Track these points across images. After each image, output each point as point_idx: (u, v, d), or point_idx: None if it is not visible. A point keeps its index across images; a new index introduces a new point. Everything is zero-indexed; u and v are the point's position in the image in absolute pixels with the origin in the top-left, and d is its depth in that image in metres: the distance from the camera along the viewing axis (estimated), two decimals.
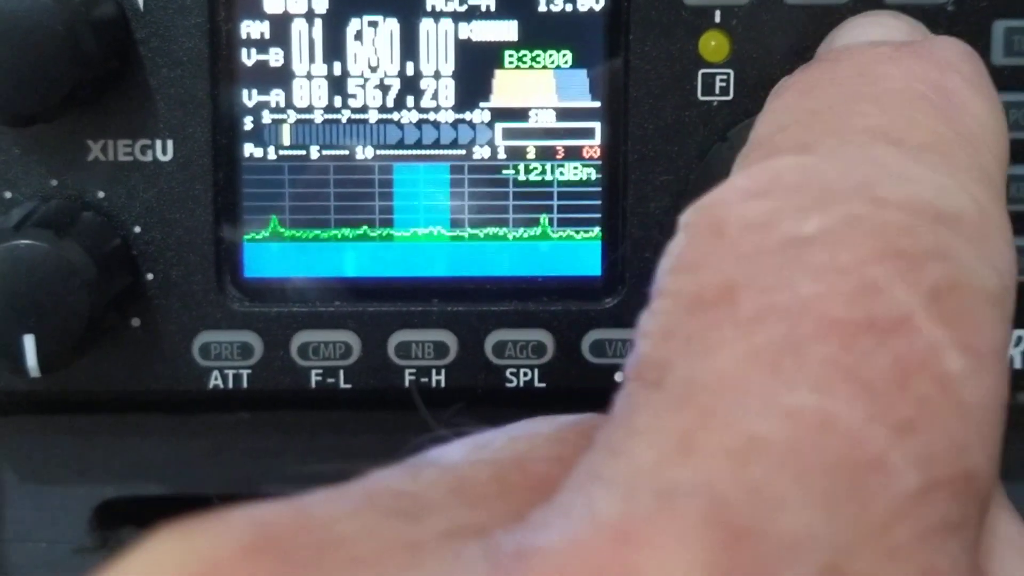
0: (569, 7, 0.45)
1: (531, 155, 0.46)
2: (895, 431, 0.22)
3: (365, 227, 0.46)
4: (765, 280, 0.23)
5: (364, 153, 0.46)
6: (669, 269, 0.25)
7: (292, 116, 0.46)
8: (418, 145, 0.46)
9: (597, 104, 0.46)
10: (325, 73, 0.45)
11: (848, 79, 0.31)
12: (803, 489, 0.21)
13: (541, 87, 0.46)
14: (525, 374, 0.47)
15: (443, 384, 0.46)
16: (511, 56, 0.45)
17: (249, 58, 0.45)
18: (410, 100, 0.46)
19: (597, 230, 0.46)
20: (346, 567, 0.21)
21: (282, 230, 0.46)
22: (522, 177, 0.46)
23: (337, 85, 0.45)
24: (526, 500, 0.23)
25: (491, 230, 0.46)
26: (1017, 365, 0.47)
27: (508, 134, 0.46)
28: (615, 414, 0.23)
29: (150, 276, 0.46)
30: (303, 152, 0.46)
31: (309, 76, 0.45)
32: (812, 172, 0.26)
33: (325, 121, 0.46)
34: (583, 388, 0.46)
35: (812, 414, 0.21)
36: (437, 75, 0.46)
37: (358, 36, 0.45)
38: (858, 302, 0.23)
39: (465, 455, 0.25)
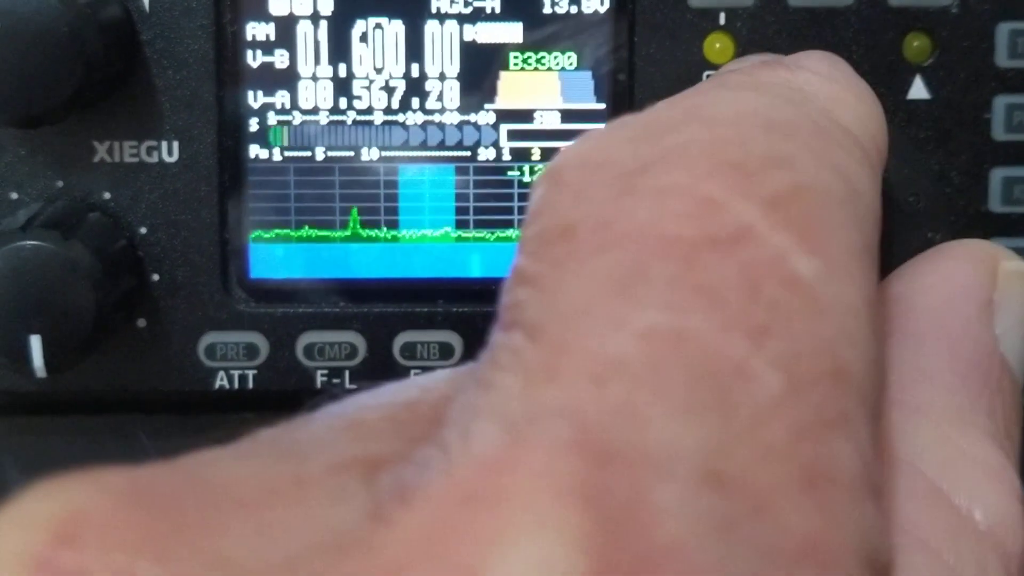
0: (574, 9, 0.45)
1: (536, 156, 0.46)
2: (751, 337, 0.22)
3: (370, 228, 0.46)
4: (601, 213, 0.23)
5: (369, 154, 0.46)
6: (522, 226, 0.25)
7: (297, 117, 0.46)
8: (423, 146, 0.46)
9: (602, 106, 0.46)
10: (330, 75, 0.46)
11: (691, 93, 0.31)
12: (666, 403, 0.21)
13: (546, 89, 0.46)
14: None
15: None
16: (516, 58, 0.46)
17: (254, 60, 0.45)
18: (415, 102, 0.46)
19: None
20: (229, 510, 0.21)
21: (288, 231, 0.46)
22: (527, 178, 0.46)
23: (342, 87, 0.46)
24: (416, 435, 0.23)
25: (496, 231, 0.46)
26: None
27: (513, 135, 0.46)
28: (483, 356, 0.23)
29: (156, 277, 0.46)
30: (308, 153, 0.46)
31: (314, 78, 0.46)
32: (642, 115, 0.26)
33: (330, 122, 0.46)
34: None
35: (665, 331, 0.21)
36: (442, 77, 0.46)
37: (363, 38, 0.45)
38: (697, 219, 0.23)
39: (358, 401, 0.25)
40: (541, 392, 0.21)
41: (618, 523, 0.19)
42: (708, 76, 0.45)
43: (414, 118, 0.46)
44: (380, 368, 0.46)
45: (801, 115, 0.26)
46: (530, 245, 0.24)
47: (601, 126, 0.27)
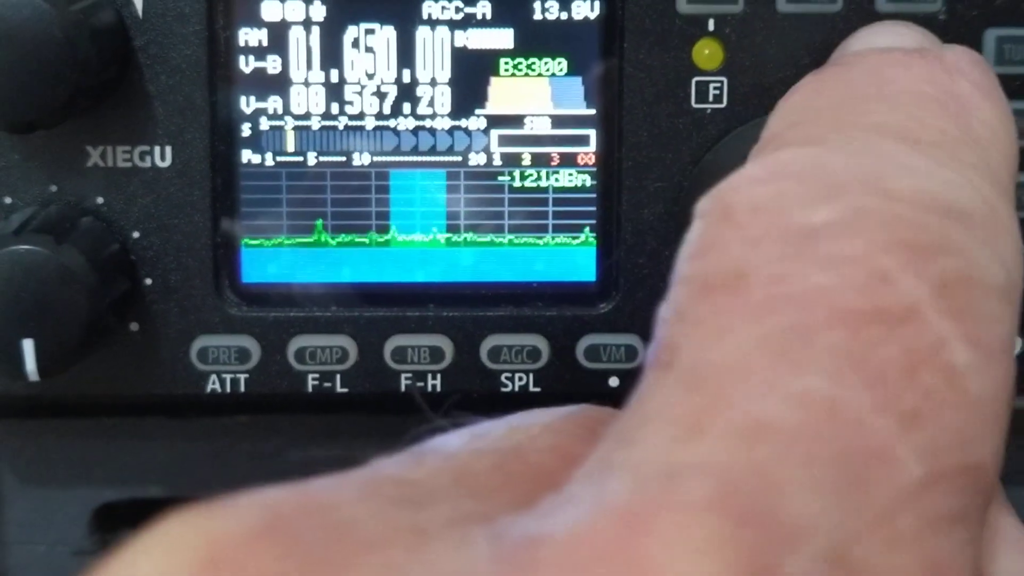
0: (564, 15, 0.45)
1: (527, 162, 0.46)
2: (901, 421, 0.22)
3: (362, 233, 0.46)
4: (774, 268, 0.23)
5: (361, 159, 0.46)
6: (684, 256, 0.25)
7: (290, 123, 0.46)
8: (415, 151, 0.46)
9: (592, 111, 0.46)
10: (322, 80, 0.46)
11: (858, 80, 0.31)
12: (809, 475, 0.21)
13: (536, 94, 0.46)
14: (520, 379, 0.47)
15: (439, 389, 0.47)
16: (507, 64, 0.46)
17: (247, 65, 0.46)
18: (407, 107, 0.46)
19: (592, 236, 0.47)
20: (354, 550, 0.21)
21: (280, 236, 0.46)
22: (517, 183, 0.46)
23: (334, 92, 0.46)
24: (527, 490, 0.23)
25: (487, 236, 0.47)
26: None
27: (504, 141, 0.46)
28: (630, 403, 0.23)
29: (149, 281, 0.46)
30: (301, 158, 0.46)
31: (307, 83, 0.46)
32: (819, 162, 0.26)
33: (322, 128, 0.46)
34: (578, 392, 0.47)
35: (820, 400, 0.21)
36: (433, 82, 0.46)
37: (355, 44, 0.46)
38: (867, 292, 0.23)
39: (465, 444, 0.25)
40: (685, 449, 0.21)
41: None
42: (698, 83, 0.45)
43: (405, 123, 0.46)
44: (371, 372, 0.47)
45: (975, 193, 0.26)
46: (695, 284, 0.24)
47: (765, 159, 0.26)
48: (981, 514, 0.23)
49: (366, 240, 0.47)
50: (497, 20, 0.45)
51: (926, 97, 0.30)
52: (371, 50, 0.46)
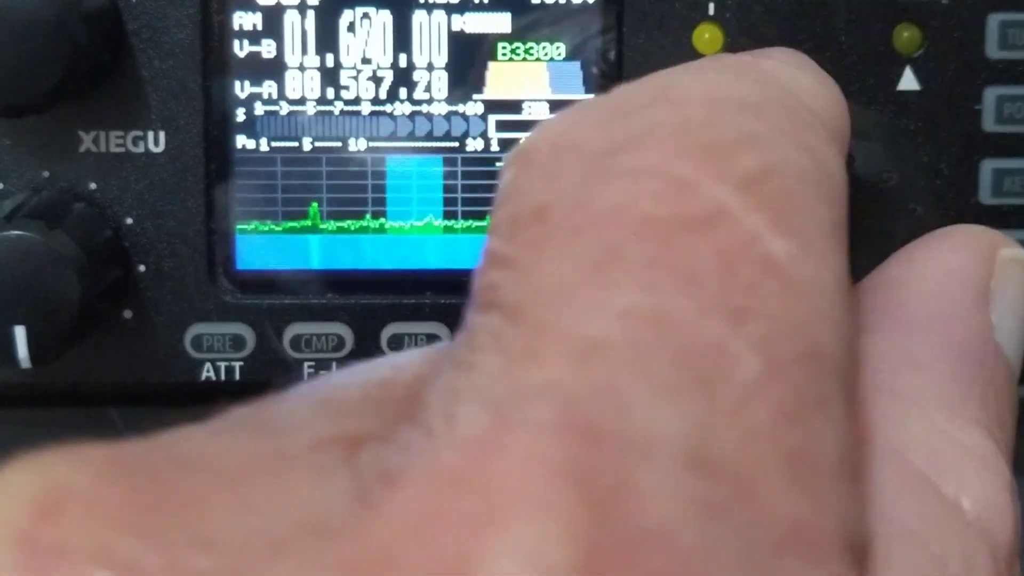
0: None
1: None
2: (729, 319, 0.22)
3: (358, 219, 0.46)
4: (574, 194, 0.23)
5: (357, 145, 0.46)
6: (493, 208, 0.25)
7: (285, 108, 0.46)
8: (411, 137, 0.46)
9: (591, 97, 0.46)
10: (318, 65, 0.45)
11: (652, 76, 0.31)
12: (647, 385, 0.21)
13: (534, 79, 0.46)
14: None
15: None
16: (504, 48, 0.45)
17: (241, 49, 0.45)
18: (403, 92, 0.46)
19: None
20: (209, 487, 0.21)
21: (274, 222, 0.46)
22: None
23: (330, 77, 0.45)
24: (392, 413, 0.23)
25: (484, 222, 0.46)
26: None
27: (501, 126, 0.46)
28: (459, 338, 0.23)
29: (142, 268, 0.46)
30: (296, 144, 0.46)
31: (302, 68, 0.45)
32: (612, 94, 0.26)
33: (318, 113, 0.46)
34: None
35: (644, 313, 0.21)
36: (430, 67, 0.45)
37: (351, 28, 0.45)
38: (671, 200, 0.23)
39: (331, 379, 0.25)
40: (523, 372, 0.21)
41: (605, 506, 0.19)
42: None
43: (402, 108, 0.46)
44: (367, 359, 0.46)
45: (769, 95, 0.26)
46: (503, 227, 0.24)
47: (568, 107, 0.27)
48: (842, 399, 0.23)
49: (362, 227, 0.46)
50: (494, 4, 0.45)
51: (727, 63, 0.30)
52: (367, 34, 0.45)
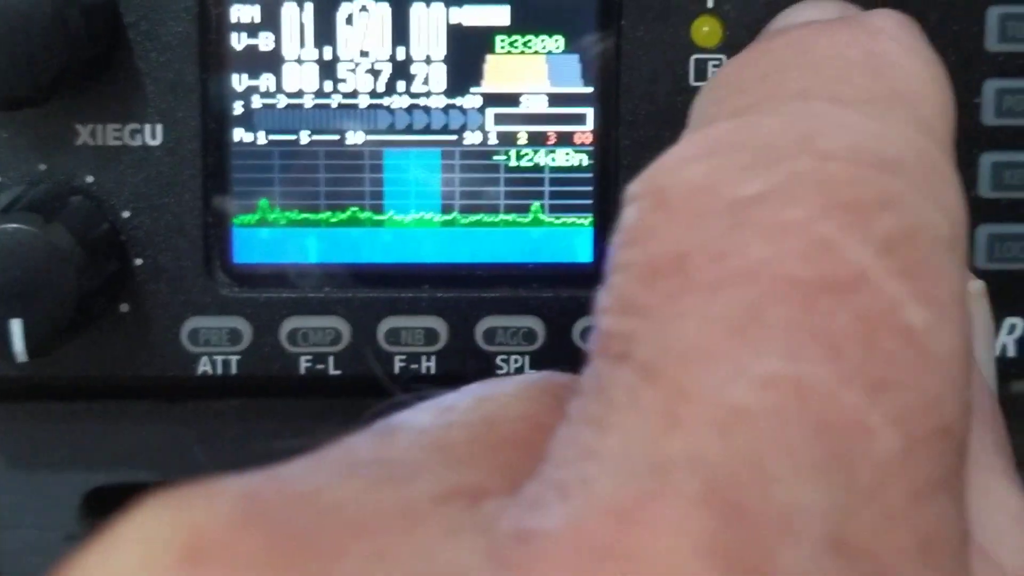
0: None
1: (523, 141, 0.46)
2: (869, 391, 0.21)
3: (355, 212, 0.46)
4: (715, 246, 0.23)
5: (355, 138, 0.46)
6: (620, 243, 0.24)
7: (282, 101, 0.45)
8: (409, 130, 0.46)
9: (589, 90, 0.45)
10: (315, 58, 0.45)
11: (780, 51, 0.30)
12: (791, 460, 0.20)
13: (533, 72, 0.45)
14: (516, 361, 0.46)
15: (433, 371, 0.46)
16: (503, 41, 0.45)
17: (239, 42, 0.45)
18: (401, 85, 0.45)
19: (589, 216, 0.46)
20: (343, 536, 0.21)
21: (272, 216, 0.46)
22: (513, 163, 0.46)
23: (327, 70, 0.45)
24: (506, 460, 0.23)
25: (482, 216, 0.46)
26: (1011, 353, 0.47)
27: (499, 119, 0.46)
28: (586, 388, 0.23)
29: (139, 261, 0.45)
30: (293, 137, 0.46)
31: (299, 61, 0.45)
32: (750, 131, 0.26)
33: (315, 106, 0.45)
34: (574, 374, 0.46)
35: (786, 381, 0.21)
36: (428, 60, 0.45)
37: (349, 20, 0.45)
38: (811, 260, 0.22)
39: (434, 418, 0.25)
40: (665, 441, 0.21)
41: None
42: (697, 60, 0.44)
43: (400, 101, 0.45)
44: (364, 354, 0.46)
45: (905, 140, 0.25)
46: (636, 271, 0.23)
47: (696, 134, 0.26)
48: (960, 477, 0.23)
49: (359, 220, 0.46)
50: None
51: (849, 58, 0.29)
52: (365, 27, 0.45)
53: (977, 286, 0.30)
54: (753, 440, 0.20)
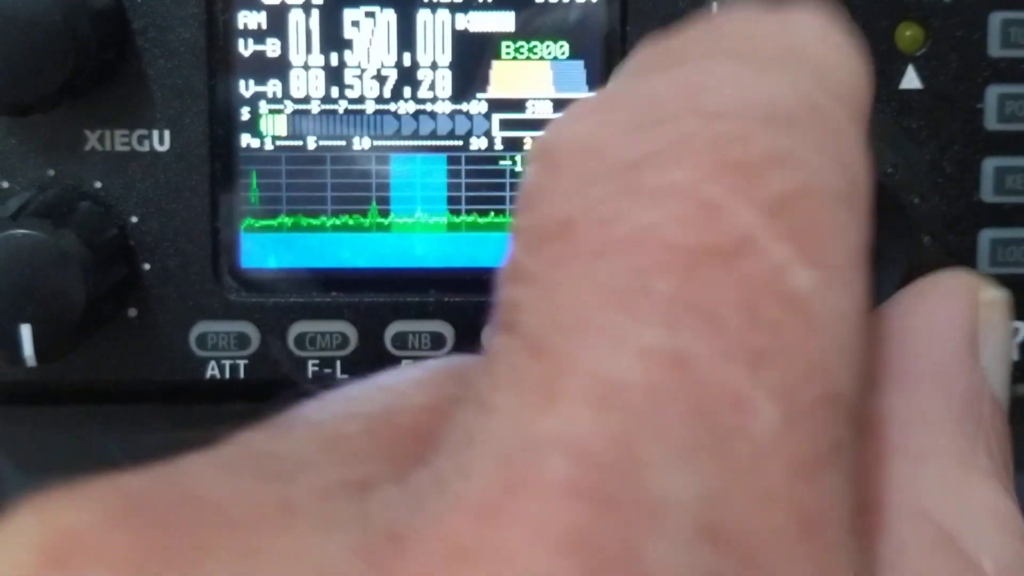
0: None
1: (528, 146, 0.46)
2: (750, 364, 0.21)
3: (362, 217, 0.46)
4: (601, 210, 0.22)
5: (361, 144, 0.46)
6: (517, 208, 0.24)
7: (289, 106, 0.46)
8: (415, 136, 0.46)
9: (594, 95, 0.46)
10: (322, 64, 0.45)
11: (692, 26, 0.29)
12: (664, 445, 0.20)
13: (538, 78, 0.46)
14: None
15: None
16: (508, 47, 0.45)
17: (246, 48, 0.45)
18: (407, 91, 0.46)
19: None
20: (214, 533, 0.20)
21: (279, 221, 0.46)
22: (519, 168, 0.46)
23: (334, 76, 0.45)
24: (401, 451, 0.22)
25: (488, 221, 0.46)
26: (1015, 357, 0.47)
27: (505, 125, 0.46)
28: (483, 364, 0.22)
29: (147, 266, 0.46)
30: (300, 143, 0.46)
31: (306, 67, 0.45)
32: (639, 88, 0.25)
33: (322, 112, 0.46)
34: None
35: (665, 354, 0.20)
36: (434, 66, 0.46)
37: (355, 27, 0.45)
38: (698, 226, 0.22)
39: (334, 410, 0.24)
40: (540, 420, 0.20)
41: None
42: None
43: (406, 107, 0.46)
44: (371, 358, 0.46)
45: (801, 97, 0.25)
46: (526, 236, 0.23)
47: (591, 95, 0.26)
48: (851, 451, 0.22)
49: (366, 225, 0.46)
50: (498, 3, 0.45)
51: (758, 25, 0.27)
52: (371, 33, 0.45)
53: (993, 295, 0.30)
54: (628, 420, 0.20)
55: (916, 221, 0.44)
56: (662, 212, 0.22)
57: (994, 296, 0.29)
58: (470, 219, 0.46)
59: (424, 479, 0.21)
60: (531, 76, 0.46)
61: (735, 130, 0.23)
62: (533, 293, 0.22)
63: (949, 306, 0.29)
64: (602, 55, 0.45)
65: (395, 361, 0.46)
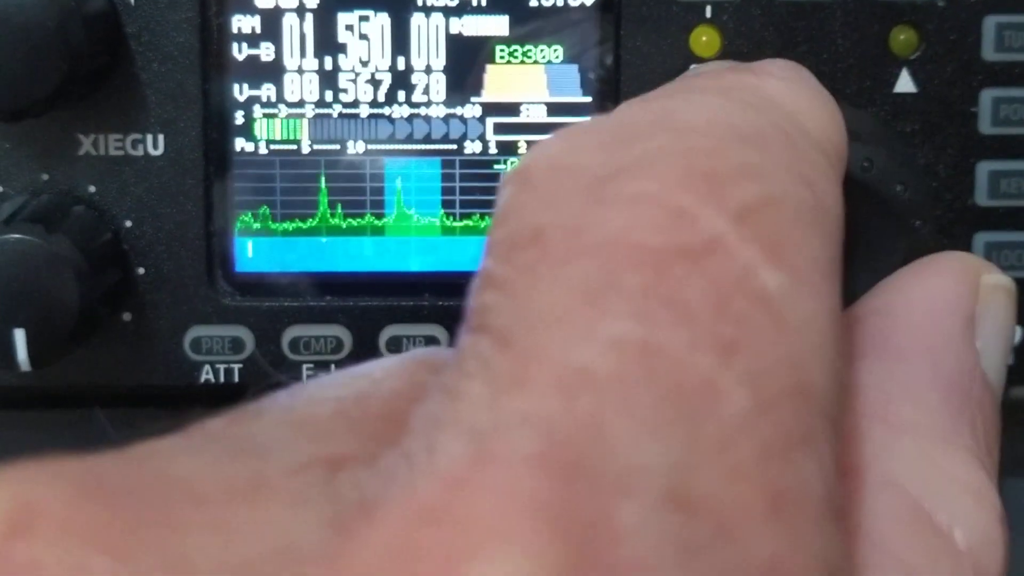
0: (560, 1, 0.45)
1: (522, 150, 0.46)
2: (719, 353, 0.21)
3: (356, 221, 0.46)
4: (572, 220, 0.23)
5: (355, 147, 0.46)
6: (490, 227, 0.25)
7: (283, 110, 0.46)
8: (409, 139, 0.46)
9: (588, 99, 0.46)
10: (316, 67, 0.45)
11: (668, 85, 0.31)
12: (632, 420, 0.20)
13: (532, 82, 0.46)
14: None
15: None
16: (502, 51, 0.45)
17: (240, 52, 0.45)
18: (401, 95, 0.46)
19: None
20: (185, 508, 0.20)
21: (273, 225, 0.46)
22: None
23: (328, 79, 0.45)
24: (371, 432, 0.23)
25: (483, 225, 0.46)
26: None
27: (499, 129, 0.46)
28: (452, 357, 0.23)
29: (141, 270, 0.46)
30: (294, 147, 0.46)
31: (300, 71, 0.45)
32: (615, 117, 0.26)
33: (316, 115, 0.46)
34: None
35: (634, 344, 0.21)
36: (428, 70, 0.46)
37: (349, 30, 0.45)
38: (668, 229, 0.23)
39: (305, 395, 0.25)
40: (508, 402, 0.21)
41: (581, 544, 0.19)
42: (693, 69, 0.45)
43: (400, 111, 0.46)
44: (366, 362, 0.46)
45: (770, 124, 0.26)
46: (498, 248, 0.24)
47: (571, 122, 0.27)
48: (827, 436, 0.22)
49: (360, 229, 0.46)
50: (492, 7, 0.45)
51: (735, 73, 0.30)
52: (365, 37, 0.45)
53: (996, 279, 0.30)
54: (595, 400, 0.20)
55: (903, 208, 0.44)
56: (632, 217, 0.23)
57: (996, 280, 0.30)
58: (464, 223, 0.46)
59: (394, 458, 0.21)
60: (525, 80, 0.46)
61: (706, 144, 0.24)
62: (504, 297, 0.23)
63: (948, 285, 0.29)
64: (596, 59, 0.45)
65: None
